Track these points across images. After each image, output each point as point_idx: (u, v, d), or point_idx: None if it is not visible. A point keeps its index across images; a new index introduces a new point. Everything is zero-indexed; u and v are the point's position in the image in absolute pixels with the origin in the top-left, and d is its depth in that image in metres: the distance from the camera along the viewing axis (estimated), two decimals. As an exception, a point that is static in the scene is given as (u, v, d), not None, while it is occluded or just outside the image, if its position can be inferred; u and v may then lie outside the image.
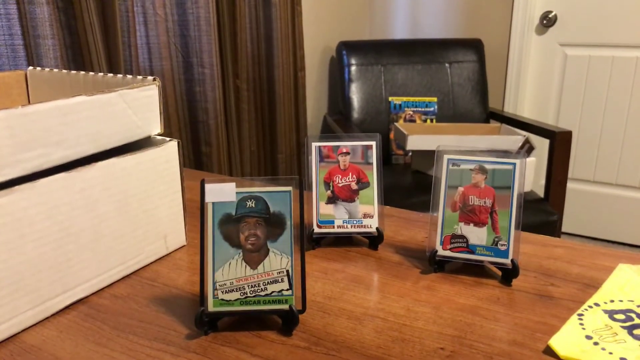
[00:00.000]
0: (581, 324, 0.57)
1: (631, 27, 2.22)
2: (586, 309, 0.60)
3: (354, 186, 0.76)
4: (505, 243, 0.67)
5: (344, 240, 0.78)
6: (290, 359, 0.53)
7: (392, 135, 2.19)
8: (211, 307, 0.57)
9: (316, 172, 0.76)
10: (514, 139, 1.73)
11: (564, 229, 2.53)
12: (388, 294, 0.64)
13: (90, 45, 1.38)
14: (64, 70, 0.84)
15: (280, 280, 0.57)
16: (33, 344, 0.56)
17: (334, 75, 2.55)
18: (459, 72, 2.29)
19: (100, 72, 1.34)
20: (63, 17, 1.35)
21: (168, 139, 0.73)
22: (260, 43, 2.02)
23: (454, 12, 2.54)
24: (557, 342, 0.54)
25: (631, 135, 2.32)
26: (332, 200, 0.75)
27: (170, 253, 0.76)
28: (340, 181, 0.76)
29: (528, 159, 1.70)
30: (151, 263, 0.73)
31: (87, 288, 0.64)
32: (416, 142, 1.75)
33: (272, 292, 0.57)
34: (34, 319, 0.59)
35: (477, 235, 0.67)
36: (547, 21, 2.36)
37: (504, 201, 0.67)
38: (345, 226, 0.75)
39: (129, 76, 0.73)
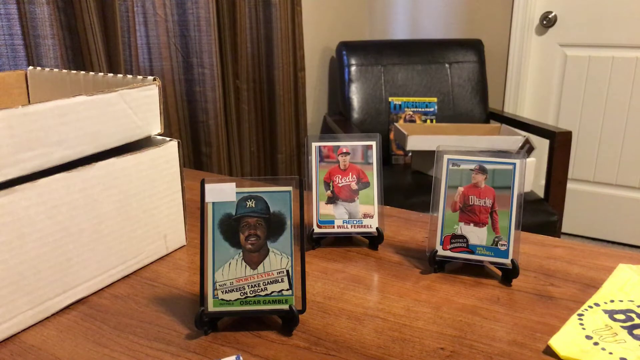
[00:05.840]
0: (581, 324, 0.57)
1: (631, 27, 2.22)
2: (586, 309, 0.59)
3: (354, 186, 0.76)
4: (505, 243, 0.66)
5: (344, 240, 0.78)
6: (290, 359, 0.53)
7: (392, 136, 2.19)
8: (211, 307, 0.57)
9: (316, 172, 0.76)
10: (514, 139, 1.73)
11: (564, 229, 2.53)
12: (388, 294, 0.64)
13: (90, 45, 1.38)
14: (64, 70, 0.84)
15: (280, 280, 0.57)
16: (33, 344, 0.56)
17: (334, 76, 2.55)
18: (459, 73, 2.29)
19: (100, 72, 1.34)
20: (63, 17, 1.35)
21: (168, 139, 0.73)
22: (260, 43, 2.02)
23: (454, 12, 2.54)
24: (557, 342, 0.54)
25: (631, 135, 2.32)
26: (332, 200, 0.75)
27: (170, 253, 0.76)
28: (340, 181, 0.76)
29: (528, 159, 1.70)
30: (151, 263, 0.73)
31: (87, 288, 0.65)
32: (416, 142, 1.75)
33: (272, 292, 0.57)
34: (34, 319, 0.59)
35: (477, 235, 0.67)
36: (547, 21, 2.36)
37: (504, 201, 0.67)
38: (345, 226, 0.75)
39: (129, 76, 0.73)
